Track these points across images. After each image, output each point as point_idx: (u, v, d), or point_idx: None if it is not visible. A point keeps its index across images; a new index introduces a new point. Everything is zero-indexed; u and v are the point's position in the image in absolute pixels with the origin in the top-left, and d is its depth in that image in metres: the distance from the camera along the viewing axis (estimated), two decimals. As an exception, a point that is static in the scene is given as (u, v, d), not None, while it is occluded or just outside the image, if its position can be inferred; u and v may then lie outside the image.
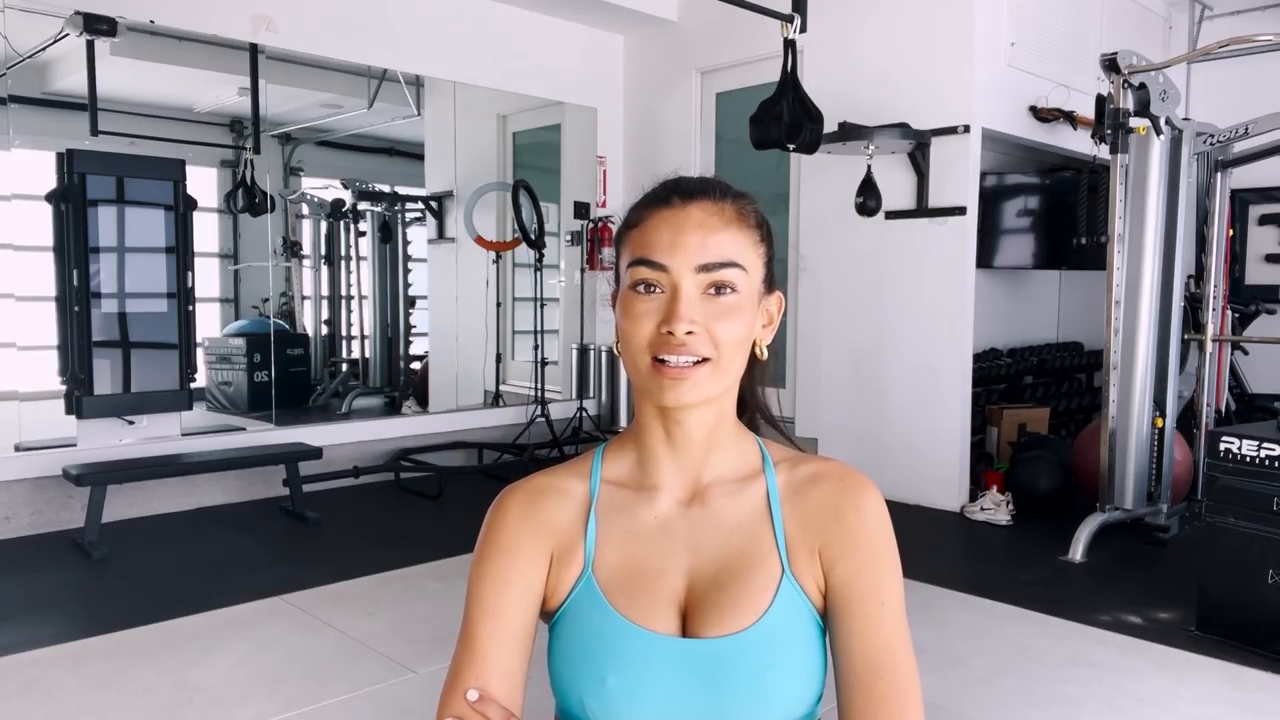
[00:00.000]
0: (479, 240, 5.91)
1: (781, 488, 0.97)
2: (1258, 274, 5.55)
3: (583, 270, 5.99)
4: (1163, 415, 3.99)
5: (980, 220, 4.67)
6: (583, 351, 6.05)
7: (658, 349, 0.89)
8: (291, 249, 6.02)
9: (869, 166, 4.55)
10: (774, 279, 0.97)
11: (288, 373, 5.66)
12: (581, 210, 5.88)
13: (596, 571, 0.94)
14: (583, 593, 0.94)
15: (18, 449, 4.05)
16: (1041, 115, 4.88)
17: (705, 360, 0.89)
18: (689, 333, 0.87)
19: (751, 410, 1.06)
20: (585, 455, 1.03)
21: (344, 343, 6.32)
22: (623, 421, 5.98)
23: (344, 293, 6.28)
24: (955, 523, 4.40)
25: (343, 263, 6.28)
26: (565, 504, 0.98)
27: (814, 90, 4.22)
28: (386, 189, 6.26)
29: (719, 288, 0.89)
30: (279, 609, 3.11)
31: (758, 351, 0.97)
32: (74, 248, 3.96)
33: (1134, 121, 3.89)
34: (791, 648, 0.92)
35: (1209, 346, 4.30)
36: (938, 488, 4.59)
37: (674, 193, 0.92)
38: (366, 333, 6.33)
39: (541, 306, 5.84)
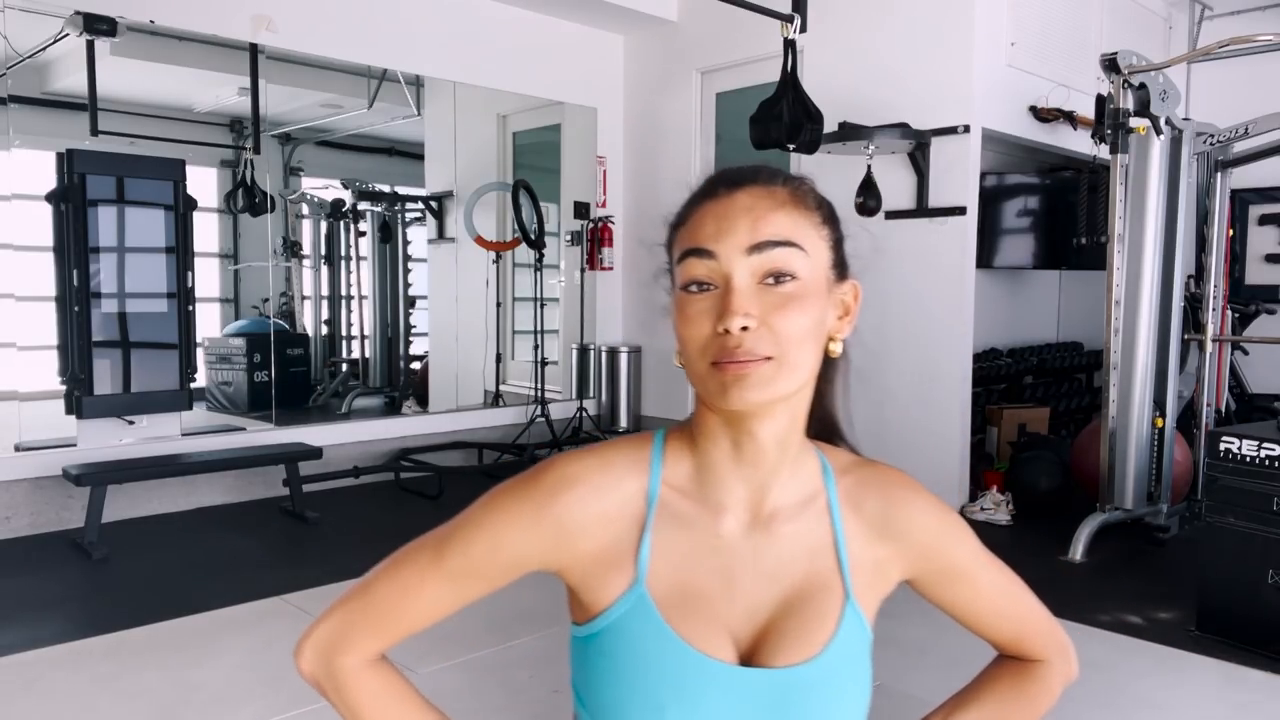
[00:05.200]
0: (479, 240, 5.91)
1: (842, 502, 0.91)
2: (1258, 274, 5.55)
3: (583, 270, 5.99)
4: (1163, 415, 3.99)
5: (980, 220, 4.67)
6: (583, 351, 6.05)
7: (715, 353, 0.78)
8: (291, 249, 6.02)
9: (869, 166, 4.54)
10: (846, 265, 0.89)
11: (288, 373, 5.65)
12: (581, 210, 5.88)
13: (650, 586, 0.84)
14: (635, 608, 0.84)
15: (18, 449, 4.05)
16: (1041, 115, 4.88)
17: (768, 359, 0.78)
18: (744, 328, 0.77)
19: (816, 418, 0.94)
20: (643, 440, 0.90)
21: (344, 343, 6.32)
22: (623, 421, 5.98)
23: (344, 293, 6.28)
24: (955, 523, 4.40)
25: (343, 263, 6.28)
26: (619, 502, 0.86)
27: (814, 90, 4.21)
28: (386, 189, 6.26)
29: (777, 276, 0.79)
30: (279, 609, 3.12)
31: (830, 347, 0.87)
32: (74, 248, 3.96)
33: (1134, 121, 3.89)
34: (852, 675, 0.87)
35: (1209, 346, 4.30)
36: (938, 488, 4.55)
37: (719, 184, 0.85)
38: (366, 333, 6.33)
39: (541, 306, 5.84)
